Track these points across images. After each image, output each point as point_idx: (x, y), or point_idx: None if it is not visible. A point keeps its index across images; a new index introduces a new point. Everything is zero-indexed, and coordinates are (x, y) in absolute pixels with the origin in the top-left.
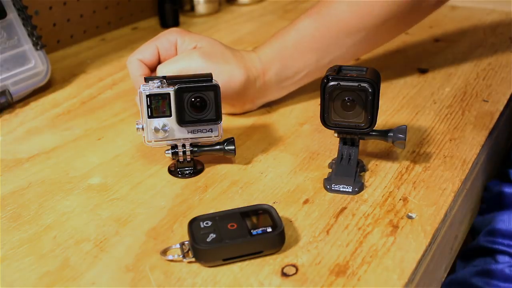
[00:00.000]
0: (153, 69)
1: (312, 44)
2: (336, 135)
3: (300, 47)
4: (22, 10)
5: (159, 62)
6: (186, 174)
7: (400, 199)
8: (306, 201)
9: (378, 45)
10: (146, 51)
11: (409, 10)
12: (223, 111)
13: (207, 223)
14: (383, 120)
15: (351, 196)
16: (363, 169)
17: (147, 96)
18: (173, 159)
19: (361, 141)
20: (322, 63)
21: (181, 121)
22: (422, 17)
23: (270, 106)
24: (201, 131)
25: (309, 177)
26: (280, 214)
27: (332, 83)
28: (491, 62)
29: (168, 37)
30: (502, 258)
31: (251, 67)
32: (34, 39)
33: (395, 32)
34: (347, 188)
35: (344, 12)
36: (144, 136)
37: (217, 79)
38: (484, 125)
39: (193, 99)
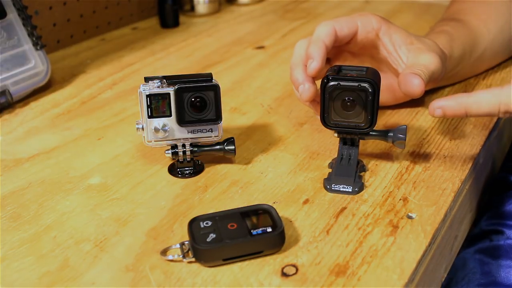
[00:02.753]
0: (339, 46)
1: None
2: (336, 135)
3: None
4: (22, 10)
5: (346, 43)
6: (186, 174)
7: (400, 199)
8: (306, 201)
9: None
10: (345, 24)
11: None
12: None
13: (207, 223)
14: (383, 120)
15: (351, 196)
16: (363, 169)
17: (147, 96)
18: (173, 159)
19: (361, 141)
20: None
21: (181, 121)
22: None
23: (270, 106)
24: (201, 131)
25: (309, 177)
26: (280, 214)
27: (332, 83)
28: None
29: (372, 20)
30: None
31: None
32: (34, 39)
33: None
34: (347, 188)
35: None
36: (144, 136)
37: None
38: (484, 125)
39: (193, 99)
